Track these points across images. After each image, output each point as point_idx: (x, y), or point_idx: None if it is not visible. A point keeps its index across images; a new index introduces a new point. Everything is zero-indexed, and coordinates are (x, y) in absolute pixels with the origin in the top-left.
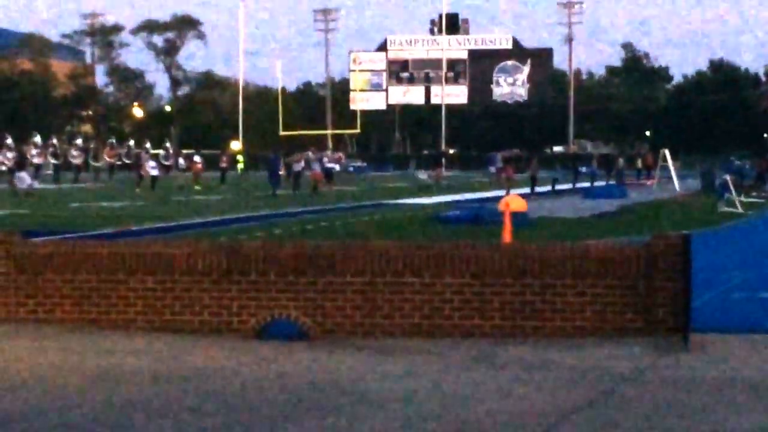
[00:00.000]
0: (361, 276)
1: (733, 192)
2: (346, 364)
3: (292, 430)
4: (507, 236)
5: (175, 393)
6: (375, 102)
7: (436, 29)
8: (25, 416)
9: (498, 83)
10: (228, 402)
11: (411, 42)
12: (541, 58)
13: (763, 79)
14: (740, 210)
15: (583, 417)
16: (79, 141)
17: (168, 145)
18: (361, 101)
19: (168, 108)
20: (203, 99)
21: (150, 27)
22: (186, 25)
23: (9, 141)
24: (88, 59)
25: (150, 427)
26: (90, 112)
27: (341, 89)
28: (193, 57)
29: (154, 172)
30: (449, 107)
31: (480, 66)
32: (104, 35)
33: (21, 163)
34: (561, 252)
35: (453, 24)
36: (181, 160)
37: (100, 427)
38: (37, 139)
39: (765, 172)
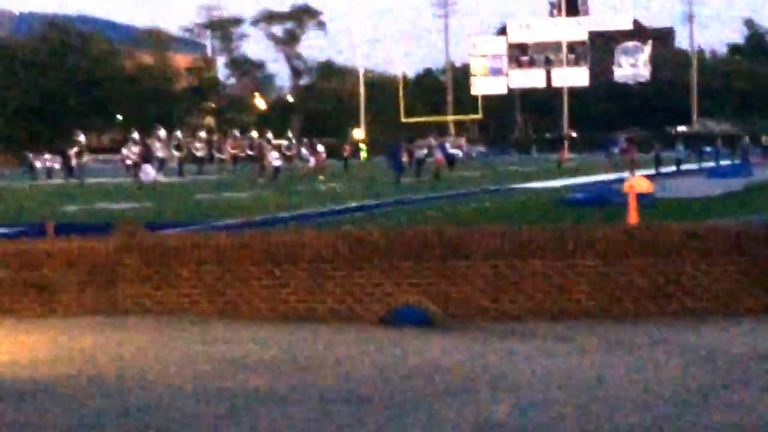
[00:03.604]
0: (487, 260)
1: None
2: (474, 349)
3: (422, 415)
4: (633, 217)
5: (301, 381)
6: (496, 87)
7: (555, 11)
8: (155, 407)
9: (619, 64)
10: (355, 389)
11: (530, 25)
12: (662, 37)
13: None
14: None
15: (717, 398)
16: (202, 133)
17: (290, 134)
18: (482, 86)
19: (289, 98)
20: (324, 88)
21: (269, 18)
22: (305, 15)
23: (135, 135)
24: (209, 52)
25: (278, 416)
26: (212, 105)
27: (461, 74)
28: (313, 46)
29: (277, 163)
30: (570, 90)
31: (600, 47)
32: (224, 27)
33: (146, 156)
34: (688, 232)
35: (572, 6)
36: (303, 150)
37: (229, 416)
38: (162, 132)
39: None
